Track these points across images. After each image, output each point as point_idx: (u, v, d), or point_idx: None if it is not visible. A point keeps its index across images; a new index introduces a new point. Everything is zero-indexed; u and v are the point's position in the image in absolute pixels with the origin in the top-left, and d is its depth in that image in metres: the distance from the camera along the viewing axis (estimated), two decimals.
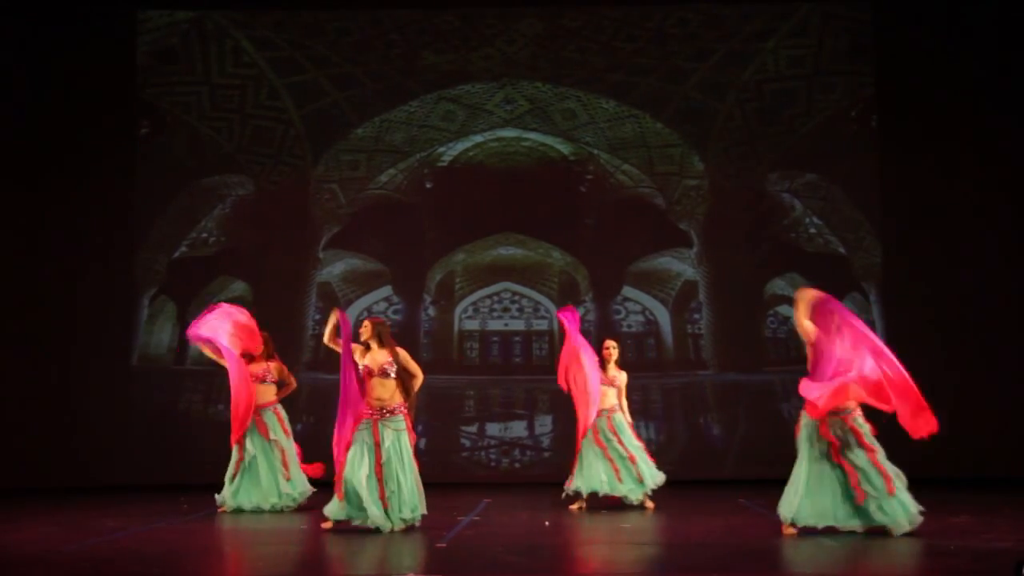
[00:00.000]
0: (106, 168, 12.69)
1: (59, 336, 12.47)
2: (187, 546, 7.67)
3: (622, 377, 9.75)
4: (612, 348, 9.75)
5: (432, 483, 8.71)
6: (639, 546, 7.76)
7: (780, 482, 7.84)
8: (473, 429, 12.69)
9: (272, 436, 9.64)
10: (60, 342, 12.46)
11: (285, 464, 9.61)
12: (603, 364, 9.64)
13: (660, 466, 9.74)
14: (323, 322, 12.56)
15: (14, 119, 12.61)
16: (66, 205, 12.60)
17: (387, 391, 8.08)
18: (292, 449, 9.74)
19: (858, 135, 12.68)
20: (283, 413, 9.82)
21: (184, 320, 12.62)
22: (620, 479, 9.46)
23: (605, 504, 9.55)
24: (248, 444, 9.56)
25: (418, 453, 8.41)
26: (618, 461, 9.50)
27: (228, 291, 12.76)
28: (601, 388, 9.48)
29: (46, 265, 12.55)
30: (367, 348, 8.18)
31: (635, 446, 9.62)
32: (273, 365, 9.84)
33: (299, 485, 9.67)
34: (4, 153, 12.54)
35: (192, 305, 12.67)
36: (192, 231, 12.84)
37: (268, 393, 9.73)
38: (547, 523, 8.72)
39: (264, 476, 9.56)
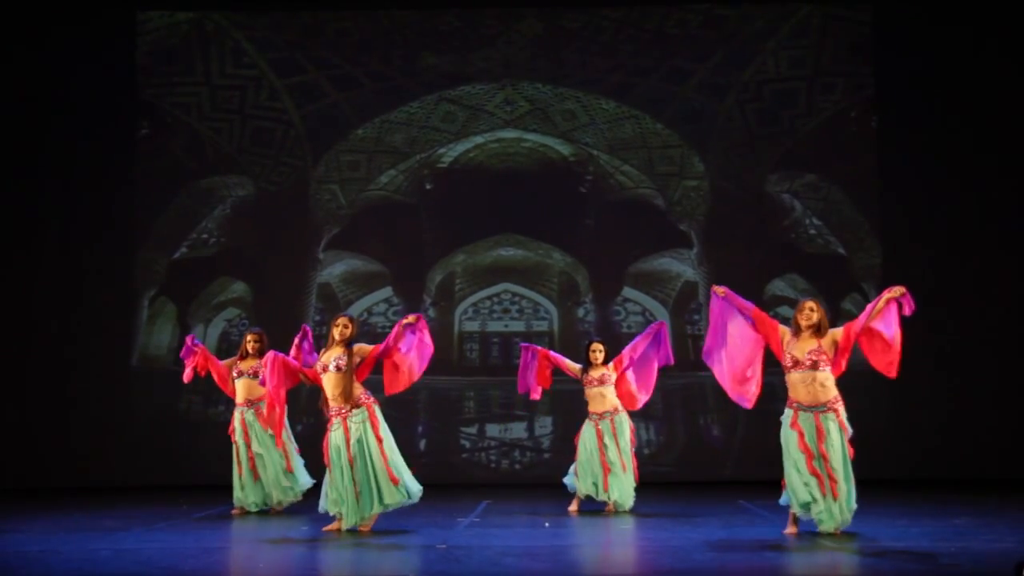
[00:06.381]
0: (106, 169, 12.68)
1: (59, 336, 12.47)
2: (187, 546, 7.67)
3: (611, 374, 9.45)
4: (598, 351, 9.44)
5: (431, 484, 8.73)
6: (638, 547, 7.76)
7: (780, 483, 7.82)
8: (473, 430, 12.68)
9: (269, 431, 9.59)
10: (60, 342, 12.46)
11: (287, 456, 9.60)
12: (589, 366, 9.47)
13: (660, 467, 9.71)
14: (323, 323, 12.60)
15: (13, 119, 12.62)
16: (66, 206, 12.60)
17: (339, 386, 8.06)
18: (290, 444, 9.66)
19: (858, 136, 12.68)
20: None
21: (184, 321, 12.66)
22: (607, 487, 9.32)
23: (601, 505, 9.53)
24: (253, 442, 9.56)
25: (417, 454, 8.41)
26: (611, 465, 9.29)
27: (228, 292, 12.78)
28: (593, 391, 9.44)
29: (46, 266, 12.56)
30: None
31: (628, 454, 9.37)
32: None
33: (300, 479, 9.62)
34: (3, 153, 12.56)
35: (192, 306, 12.69)
36: (192, 232, 12.83)
37: (261, 389, 9.64)
38: (547, 524, 8.72)
39: (270, 471, 9.55)
